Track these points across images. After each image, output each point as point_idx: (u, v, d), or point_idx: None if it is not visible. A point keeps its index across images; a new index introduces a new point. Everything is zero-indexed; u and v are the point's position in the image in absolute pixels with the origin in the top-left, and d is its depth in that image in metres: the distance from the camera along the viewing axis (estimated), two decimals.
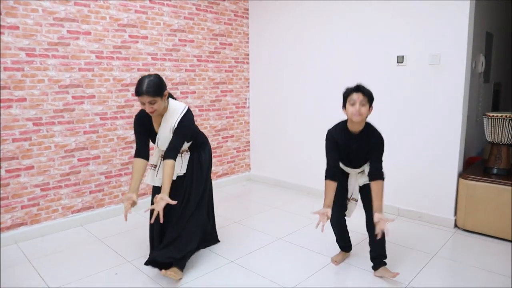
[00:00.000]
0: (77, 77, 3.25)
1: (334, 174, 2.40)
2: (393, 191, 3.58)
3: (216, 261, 2.72)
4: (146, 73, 3.66)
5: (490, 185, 3.05)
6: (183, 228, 2.53)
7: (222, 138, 4.58)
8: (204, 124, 4.34)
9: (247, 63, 4.77)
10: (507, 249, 2.88)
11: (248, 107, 4.86)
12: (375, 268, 2.53)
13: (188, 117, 2.46)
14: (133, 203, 2.38)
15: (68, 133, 3.24)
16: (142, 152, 2.51)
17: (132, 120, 3.60)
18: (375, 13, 3.57)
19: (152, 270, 2.57)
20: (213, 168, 4.48)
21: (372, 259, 2.54)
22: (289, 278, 2.49)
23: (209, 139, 4.33)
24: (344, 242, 2.75)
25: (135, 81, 3.54)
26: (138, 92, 2.26)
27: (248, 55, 4.76)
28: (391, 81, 3.51)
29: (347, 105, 2.31)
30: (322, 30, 3.99)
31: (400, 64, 3.45)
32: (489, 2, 3.82)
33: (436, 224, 3.36)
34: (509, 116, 3.09)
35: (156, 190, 2.59)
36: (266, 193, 4.41)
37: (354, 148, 2.38)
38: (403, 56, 3.42)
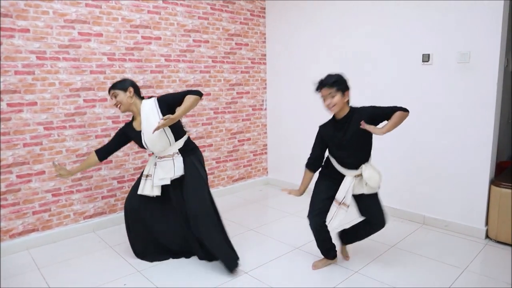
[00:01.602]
0: (88, 80, 3.18)
1: (313, 164, 2.53)
2: (418, 198, 3.37)
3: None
4: (160, 75, 3.59)
5: None
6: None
7: (239, 141, 4.45)
8: (220, 127, 4.22)
9: (264, 63, 4.62)
10: None
11: (265, 109, 4.71)
12: (341, 240, 2.71)
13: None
14: (62, 170, 2.61)
15: (79, 137, 3.18)
16: (103, 150, 2.70)
17: None
18: (398, 9, 3.37)
19: (163, 281, 2.46)
20: (229, 172, 4.37)
21: (342, 236, 2.69)
22: None
23: (225, 142, 4.28)
24: (325, 248, 2.59)
25: (148, 84, 3.50)
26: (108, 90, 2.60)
27: (265, 55, 4.61)
28: (416, 81, 3.30)
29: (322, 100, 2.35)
30: (342, 29, 3.81)
31: (426, 63, 3.23)
32: None
33: (465, 234, 3.13)
34: None
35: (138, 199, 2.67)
36: (284, 198, 4.25)
37: (342, 136, 2.33)
38: (429, 55, 3.21)
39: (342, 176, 2.43)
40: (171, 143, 2.56)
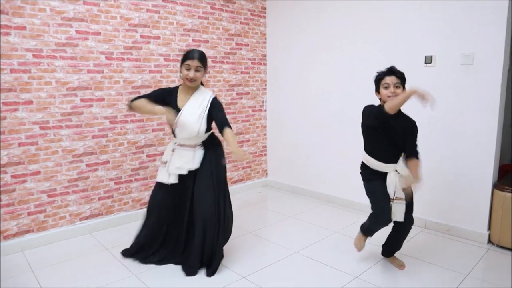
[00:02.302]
0: (85, 79, 3.13)
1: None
2: (420, 202, 3.31)
3: (226, 276, 2.54)
4: (158, 75, 3.55)
5: None
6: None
7: (238, 142, 4.40)
8: None
9: (264, 64, 4.57)
10: None
11: (265, 110, 4.67)
12: (385, 255, 2.71)
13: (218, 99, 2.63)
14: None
15: (76, 137, 3.12)
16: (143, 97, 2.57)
17: (143, 123, 3.49)
18: (401, 10, 3.32)
19: (159, 284, 2.41)
20: (228, 174, 4.30)
21: (385, 248, 2.69)
22: None
23: (224, 143, 4.21)
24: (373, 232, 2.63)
25: (147, 83, 3.45)
26: (189, 56, 2.47)
27: (265, 56, 4.57)
28: (418, 83, 3.20)
29: (381, 89, 2.36)
30: (344, 29, 3.76)
31: (428, 64, 3.19)
32: None
33: (467, 239, 3.08)
34: None
35: (160, 189, 2.62)
36: (283, 201, 4.21)
37: (392, 128, 2.33)
38: (431, 56, 3.16)
39: (383, 174, 2.45)
40: (199, 133, 2.52)
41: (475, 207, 3.05)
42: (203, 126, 2.51)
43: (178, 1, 3.64)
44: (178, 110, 2.52)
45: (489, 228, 3.01)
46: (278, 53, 4.45)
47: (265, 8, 4.47)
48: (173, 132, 2.62)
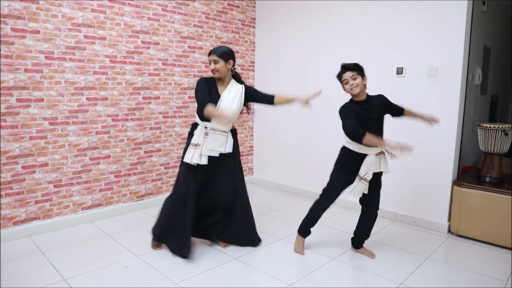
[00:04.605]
0: (91, 80, 3.42)
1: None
2: (390, 197, 3.73)
3: (220, 258, 2.87)
4: (157, 78, 3.85)
5: (482, 193, 3.20)
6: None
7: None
8: None
9: (253, 70, 4.93)
10: (497, 253, 3.02)
11: (253, 113, 5.02)
12: (355, 247, 3.00)
13: None
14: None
15: (81, 133, 3.41)
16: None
17: (142, 121, 3.78)
18: (377, 26, 3.74)
19: (161, 264, 2.72)
20: None
21: (354, 240, 2.99)
22: (290, 275, 2.64)
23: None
24: (309, 227, 2.99)
25: (146, 85, 3.75)
26: (209, 53, 2.78)
27: (254, 62, 4.93)
28: (391, 91, 3.60)
29: (342, 85, 2.61)
30: (326, 41, 4.16)
31: (399, 75, 3.61)
32: (487, 17, 3.99)
33: (431, 229, 3.50)
34: (501, 127, 3.24)
35: (189, 177, 2.81)
36: (268, 197, 4.56)
37: (368, 114, 2.57)
38: (402, 68, 3.58)
39: (359, 167, 2.62)
40: (237, 114, 2.85)
41: (437, 202, 3.48)
42: (240, 110, 2.87)
43: (176, 11, 3.97)
44: (218, 97, 2.78)
45: (449, 219, 3.44)
46: (265, 60, 4.82)
47: (254, 19, 4.84)
48: (202, 117, 2.73)
